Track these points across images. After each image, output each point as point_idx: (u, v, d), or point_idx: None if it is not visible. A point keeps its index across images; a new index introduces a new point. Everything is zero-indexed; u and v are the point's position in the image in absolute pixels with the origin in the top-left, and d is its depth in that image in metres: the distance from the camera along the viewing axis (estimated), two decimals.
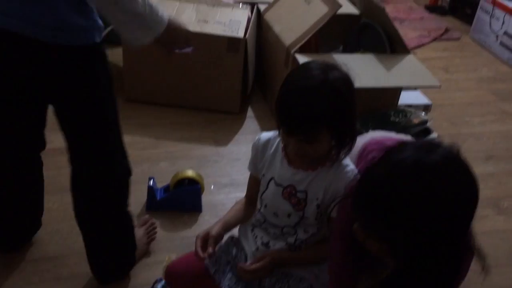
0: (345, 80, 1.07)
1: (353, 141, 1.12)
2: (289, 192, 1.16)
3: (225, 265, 1.24)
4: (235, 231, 1.30)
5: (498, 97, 2.69)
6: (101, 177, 1.28)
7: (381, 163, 0.87)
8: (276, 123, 1.09)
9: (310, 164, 1.15)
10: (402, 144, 0.88)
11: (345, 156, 1.14)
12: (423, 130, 2.02)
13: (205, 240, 1.19)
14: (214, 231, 1.20)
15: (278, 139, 1.18)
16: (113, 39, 2.47)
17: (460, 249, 0.87)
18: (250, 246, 1.25)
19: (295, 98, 1.03)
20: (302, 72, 1.09)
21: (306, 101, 1.01)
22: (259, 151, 1.22)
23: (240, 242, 1.28)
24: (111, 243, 1.35)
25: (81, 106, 1.18)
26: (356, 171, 1.14)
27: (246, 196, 1.31)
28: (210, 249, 1.16)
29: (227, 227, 1.25)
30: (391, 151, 0.88)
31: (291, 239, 1.20)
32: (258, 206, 1.23)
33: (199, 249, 1.17)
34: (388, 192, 0.82)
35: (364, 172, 0.90)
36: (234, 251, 1.26)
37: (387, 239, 0.86)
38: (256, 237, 1.24)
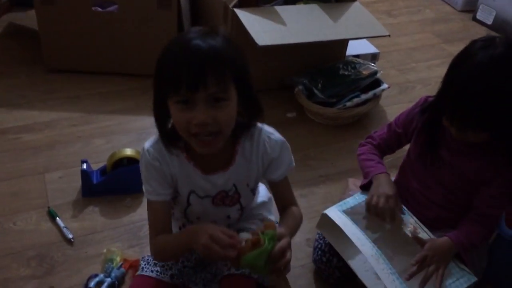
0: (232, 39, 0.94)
1: (259, 112, 0.98)
2: (221, 197, 1.04)
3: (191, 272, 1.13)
4: None
5: (442, 39, 2.65)
6: None
7: (464, 69, 1.02)
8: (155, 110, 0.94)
9: (223, 159, 1.01)
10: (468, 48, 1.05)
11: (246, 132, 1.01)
12: (374, 82, 1.93)
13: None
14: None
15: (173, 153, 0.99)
16: (24, 0, 2.19)
17: None
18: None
19: (189, 48, 0.86)
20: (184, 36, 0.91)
21: (210, 46, 0.86)
22: (162, 166, 0.99)
23: None
24: None
25: None
26: (282, 139, 1.05)
27: (157, 230, 1.01)
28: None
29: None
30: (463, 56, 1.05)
31: (236, 226, 1.12)
32: (184, 220, 1.10)
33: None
34: (485, 89, 0.98)
35: (454, 82, 1.04)
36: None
37: (476, 129, 1.04)
38: None
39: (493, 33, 2.65)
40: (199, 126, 0.88)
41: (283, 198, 1.11)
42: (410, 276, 1.11)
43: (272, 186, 1.10)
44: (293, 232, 1.05)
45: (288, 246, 0.90)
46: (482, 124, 1.04)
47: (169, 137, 0.97)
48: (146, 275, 1.09)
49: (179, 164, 1.00)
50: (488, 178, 1.14)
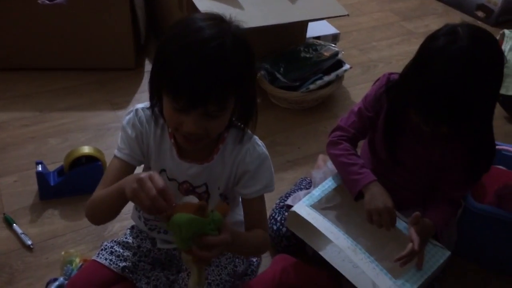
0: (244, 32, 0.87)
1: (253, 118, 0.93)
2: (186, 189, 0.99)
3: (137, 261, 1.08)
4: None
5: (400, 17, 2.66)
6: None
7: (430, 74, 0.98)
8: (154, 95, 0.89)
9: (203, 152, 0.96)
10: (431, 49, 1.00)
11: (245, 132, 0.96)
12: (336, 63, 1.91)
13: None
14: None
15: (162, 120, 0.95)
16: None
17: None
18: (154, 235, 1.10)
19: (196, 60, 0.79)
20: (190, 25, 0.83)
21: (214, 60, 0.79)
22: (144, 132, 0.96)
23: (140, 231, 1.12)
24: None
25: None
26: (266, 154, 0.98)
27: (106, 186, 0.91)
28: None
29: None
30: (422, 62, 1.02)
31: None
32: None
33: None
34: (454, 91, 0.95)
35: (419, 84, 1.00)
36: (136, 242, 1.10)
37: (451, 125, 1.02)
38: (155, 228, 1.08)
39: (450, 9, 2.67)
40: (188, 134, 0.85)
41: (252, 220, 1.00)
42: (405, 263, 1.07)
43: (244, 203, 1.01)
44: (243, 243, 0.92)
45: (220, 243, 0.80)
46: (457, 121, 1.01)
47: (160, 112, 0.92)
48: (98, 261, 1.05)
49: (160, 137, 0.96)
50: (451, 164, 1.14)
